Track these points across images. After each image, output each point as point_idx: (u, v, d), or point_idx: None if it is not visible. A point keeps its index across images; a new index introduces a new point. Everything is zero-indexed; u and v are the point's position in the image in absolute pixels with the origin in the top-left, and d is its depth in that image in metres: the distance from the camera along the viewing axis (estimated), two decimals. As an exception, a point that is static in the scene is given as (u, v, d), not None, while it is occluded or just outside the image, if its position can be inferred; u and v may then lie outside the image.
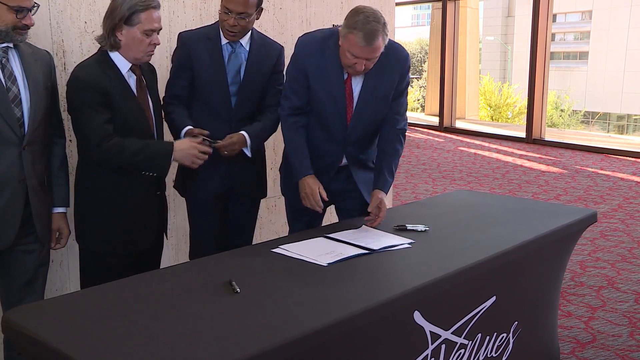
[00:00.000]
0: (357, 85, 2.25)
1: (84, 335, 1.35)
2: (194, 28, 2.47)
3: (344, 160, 2.39)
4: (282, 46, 2.48)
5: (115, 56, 2.01)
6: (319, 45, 2.24)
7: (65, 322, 1.43)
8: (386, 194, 2.32)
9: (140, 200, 2.09)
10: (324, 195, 2.26)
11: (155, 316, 1.45)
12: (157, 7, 2.01)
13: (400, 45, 2.34)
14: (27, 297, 1.95)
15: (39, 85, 1.90)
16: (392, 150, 2.35)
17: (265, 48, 2.39)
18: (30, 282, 1.97)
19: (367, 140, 2.38)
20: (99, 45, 2.52)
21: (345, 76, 2.23)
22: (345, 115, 2.28)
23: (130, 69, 2.04)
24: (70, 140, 2.49)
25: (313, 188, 2.25)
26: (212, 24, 2.40)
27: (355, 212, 2.42)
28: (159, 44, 2.06)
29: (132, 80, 2.05)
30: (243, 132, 2.31)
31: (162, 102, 2.30)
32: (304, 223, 2.47)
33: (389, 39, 2.19)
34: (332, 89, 2.24)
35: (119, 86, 2.00)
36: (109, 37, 1.99)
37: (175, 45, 2.39)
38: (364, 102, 2.26)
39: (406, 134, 2.42)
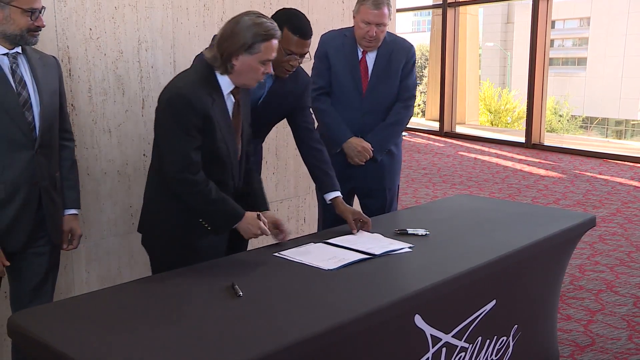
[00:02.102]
0: (370, 63, 2.73)
1: (88, 339, 1.36)
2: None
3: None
4: (310, 78, 2.46)
5: (222, 78, 1.90)
6: (338, 34, 2.79)
7: (70, 325, 1.44)
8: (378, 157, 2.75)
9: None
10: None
11: (158, 320, 1.47)
12: (279, 36, 1.90)
13: (407, 40, 2.87)
14: (37, 300, 1.97)
15: (48, 90, 1.93)
16: (393, 113, 2.76)
17: (294, 79, 2.32)
18: (41, 285, 1.99)
19: (381, 113, 2.76)
20: (104, 52, 2.57)
21: (360, 56, 2.73)
22: (361, 87, 2.74)
23: (230, 91, 1.94)
24: (76, 145, 2.51)
25: (363, 145, 2.68)
26: None
27: (378, 211, 2.75)
28: (271, 73, 1.95)
29: (229, 103, 1.95)
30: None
31: None
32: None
33: (396, 35, 2.87)
34: (349, 66, 2.72)
35: (220, 111, 1.89)
36: (224, 62, 1.85)
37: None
38: (376, 76, 2.73)
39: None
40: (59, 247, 2.07)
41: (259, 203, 2.13)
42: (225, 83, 1.91)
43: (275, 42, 1.88)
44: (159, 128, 1.92)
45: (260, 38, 1.83)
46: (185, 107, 1.81)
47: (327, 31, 2.87)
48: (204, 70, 1.89)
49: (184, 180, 1.85)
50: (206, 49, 1.93)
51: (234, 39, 1.83)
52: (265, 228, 1.96)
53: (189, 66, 2.43)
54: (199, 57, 1.99)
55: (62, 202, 2.05)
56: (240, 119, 2.02)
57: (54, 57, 2.06)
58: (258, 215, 1.97)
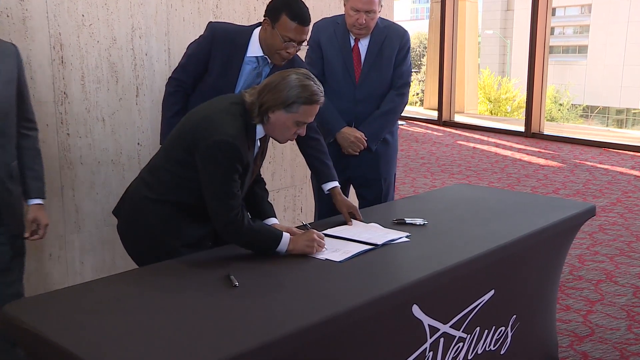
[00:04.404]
0: (363, 50, 2.70)
1: (82, 329, 1.35)
2: (225, 22, 2.51)
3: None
4: (306, 66, 2.42)
5: (258, 127, 1.90)
6: (330, 22, 2.76)
7: (63, 315, 1.43)
8: (373, 146, 2.74)
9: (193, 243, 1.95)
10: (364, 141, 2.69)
11: (153, 310, 1.46)
12: (322, 102, 1.89)
13: (401, 26, 2.81)
14: (6, 289, 1.94)
15: (2, 79, 1.87)
16: (387, 101, 2.73)
17: (291, 67, 2.25)
18: (5, 274, 1.96)
19: (375, 101, 2.74)
20: (97, 39, 2.53)
21: (353, 44, 2.70)
22: (354, 74, 2.71)
23: (260, 138, 1.94)
24: (69, 135, 2.48)
25: (356, 135, 2.67)
26: (246, 27, 2.33)
27: (375, 200, 2.76)
28: (303, 135, 1.94)
29: (256, 149, 1.95)
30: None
31: (168, 79, 2.33)
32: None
33: (390, 21, 2.84)
34: (342, 53, 2.70)
35: (250, 159, 1.90)
36: (261, 112, 1.84)
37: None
38: (369, 63, 2.69)
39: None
40: (21, 237, 2.02)
41: (266, 210, 2.12)
42: (258, 130, 1.90)
43: (316, 107, 1.87)
44: (209, 173, 1.82)
45: (301, 100, 1.82)
46: (234, 156, 1.79)
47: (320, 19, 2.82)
48: (245, 116, 1.86)
49: (233, 221, 1.80)
50: (247, 91, 1.89)
51: (277, 94, 1.82)
52: (320, 234, 1.92)
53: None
54: (237, 96, 1.93)
55: (22, 192, 2.00)
56: (259, 164, 2.03)
57: (13, 44, 1.98)
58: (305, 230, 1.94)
